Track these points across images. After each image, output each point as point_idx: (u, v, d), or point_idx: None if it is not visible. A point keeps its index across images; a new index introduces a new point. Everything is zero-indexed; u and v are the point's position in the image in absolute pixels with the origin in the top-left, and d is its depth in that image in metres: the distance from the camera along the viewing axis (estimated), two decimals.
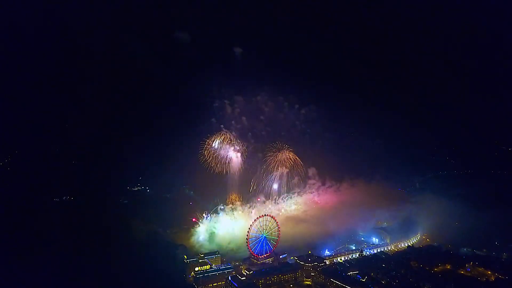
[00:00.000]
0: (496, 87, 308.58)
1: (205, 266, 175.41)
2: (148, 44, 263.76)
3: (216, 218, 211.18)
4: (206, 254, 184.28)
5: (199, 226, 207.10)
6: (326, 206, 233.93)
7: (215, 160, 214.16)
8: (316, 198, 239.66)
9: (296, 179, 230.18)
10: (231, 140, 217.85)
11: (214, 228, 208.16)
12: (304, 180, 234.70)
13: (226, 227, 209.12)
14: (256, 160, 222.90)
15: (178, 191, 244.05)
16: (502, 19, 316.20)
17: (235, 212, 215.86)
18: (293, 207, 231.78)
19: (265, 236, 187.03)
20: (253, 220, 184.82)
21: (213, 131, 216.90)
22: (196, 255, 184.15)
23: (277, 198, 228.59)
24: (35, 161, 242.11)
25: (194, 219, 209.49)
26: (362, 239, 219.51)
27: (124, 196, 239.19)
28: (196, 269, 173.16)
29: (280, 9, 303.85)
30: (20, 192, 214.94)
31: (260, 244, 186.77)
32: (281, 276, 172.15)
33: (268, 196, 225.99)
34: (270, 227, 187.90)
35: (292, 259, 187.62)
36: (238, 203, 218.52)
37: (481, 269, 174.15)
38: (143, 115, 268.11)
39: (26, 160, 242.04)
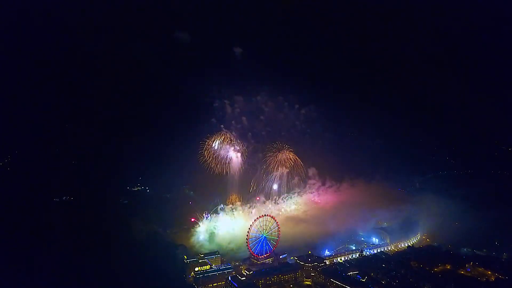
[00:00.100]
0: (496, 87, 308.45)
1: (205, 266, 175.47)
2: (148, 44, 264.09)
3: (216, 218, 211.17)
4: (206, 254, 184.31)
5: (199, 226, 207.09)
6: (326, 206, 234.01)
7: (215, 160, 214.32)
8: (316, 198, 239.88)
9: (296, 179, 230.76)
10: (231, 140, 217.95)
11: (214, 228, 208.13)
12: (304, 180, 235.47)
13: (226, 227, 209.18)
14: (256, 160, 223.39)
15: (178, 191, 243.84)
16: (502, 19, 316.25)
17: (235, 212, 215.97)
18: (293, 207, 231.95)
19: (265, 236, 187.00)
20: (253, 220, 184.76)
21: (213, 131, 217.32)
22: (196, 255, 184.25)
23: (277, 198, 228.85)
24: (35, 161, 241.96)
25: (193, 219, 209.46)
26: (362, 239, 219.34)
27: (124, 196, 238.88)
28: (196, 269, 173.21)
29: (280, 9, 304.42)
30: (20, 192, 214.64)
31: (260, 244, 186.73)
32: (281, 276, 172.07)
33: (268, 196, 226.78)
34: (270, 227, 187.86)
35: (292, 259, 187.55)
36: (238, 203, 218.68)
37: (481, 269, 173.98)
38: (143, 115, 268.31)
39: (26, 160, 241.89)
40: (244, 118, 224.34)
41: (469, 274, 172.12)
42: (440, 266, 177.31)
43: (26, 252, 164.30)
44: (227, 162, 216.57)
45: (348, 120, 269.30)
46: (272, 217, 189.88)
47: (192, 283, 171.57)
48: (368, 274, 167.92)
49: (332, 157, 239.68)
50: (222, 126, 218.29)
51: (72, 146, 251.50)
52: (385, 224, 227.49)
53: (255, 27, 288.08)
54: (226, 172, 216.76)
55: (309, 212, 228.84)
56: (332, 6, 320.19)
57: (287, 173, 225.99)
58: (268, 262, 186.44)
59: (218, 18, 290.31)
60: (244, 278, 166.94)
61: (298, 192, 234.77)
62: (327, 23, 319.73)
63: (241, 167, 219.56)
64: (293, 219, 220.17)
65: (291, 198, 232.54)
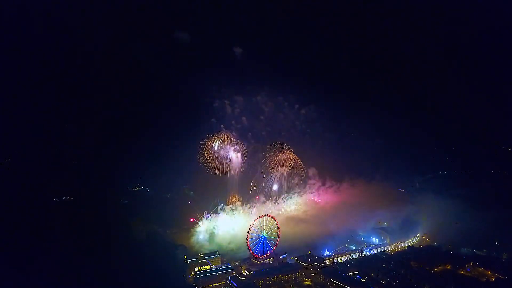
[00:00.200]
0: (496, 87, 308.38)
1: (205, 266, 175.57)
2: (148, 44, 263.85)
3: (216, 218, 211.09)
4: (206, 254, 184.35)
5: (199, 226, 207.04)
6: (326, 206, 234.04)
7: (215, 160, 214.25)
8: (316, 198, 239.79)
9: (296, 179, 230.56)
10: (231, 140, 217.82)
11: (214, 228, 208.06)
12: (304, 180, 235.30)
13: (226, 227, 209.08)
14: (256, 160, 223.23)
15: (178, 191, 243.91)
16: (502, 19, 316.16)
17: (235, 212, 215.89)
18: (293, 207, 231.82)
19: (265, 236, 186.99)
20: (253, 220, 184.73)
21: (213, 131, 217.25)
22: (196, 255, 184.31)
23: (277, 198, 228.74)
24: (35, 161, 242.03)
25: (192, 219, 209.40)
26: (362, 239, 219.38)
27: (124, 196, 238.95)
28: (196, 269, 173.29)
29: (280, 9, 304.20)
30: (20, 192, 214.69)
31: (260, 244, 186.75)
32: (281, 276, 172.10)
33: (268, 196, 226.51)
34: (270, 227, 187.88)
35: (292, 259, 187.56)
36: (238, 203, 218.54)
37: (481, 269, 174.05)
38: (143, 115, 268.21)
39: (26, 160, 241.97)
40: (244, 118, 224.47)
41: (469, 274, 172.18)
42: (440, 266, 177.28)
43: (26, 252, 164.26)
44: (227, 162, 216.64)
45: (348, 120, 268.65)
46: (272, 217, 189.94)
47: (192, 283, 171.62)
48: (368, 274, 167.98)
49: (332, 157, 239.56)
50: (222, 126, 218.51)
51: (72, 146, 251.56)
52: (385, 224, 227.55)
53: (255, 27, 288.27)
54: (226, 173, 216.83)
55: (309, 212, 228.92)
56: (332, 6, 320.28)
57: (287, 173, 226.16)
58: (268, 262, 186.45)
59: (218, 18, 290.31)
60: (244, 278, 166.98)
61: (298, 192, 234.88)
62: (327, 23, 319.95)
63: (241, 167, 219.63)
64: (293, 219, 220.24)
65: (291, 198, 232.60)
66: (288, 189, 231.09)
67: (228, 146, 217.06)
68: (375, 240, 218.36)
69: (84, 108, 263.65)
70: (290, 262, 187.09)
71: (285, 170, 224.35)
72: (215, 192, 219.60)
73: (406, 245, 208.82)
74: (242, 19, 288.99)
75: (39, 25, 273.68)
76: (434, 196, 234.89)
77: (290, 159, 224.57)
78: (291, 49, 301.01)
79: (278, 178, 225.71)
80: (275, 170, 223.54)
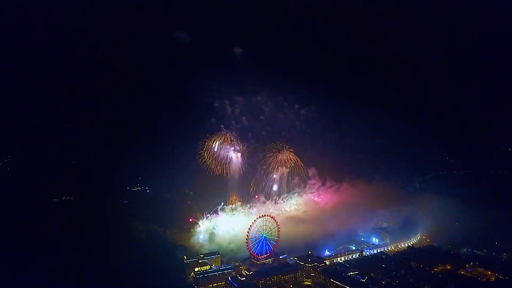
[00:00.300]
0: (496, 87, 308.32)
1: (205, 267, 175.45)
2: (148, 44, 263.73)
3: (216, 218, 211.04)
4: (206, 255, 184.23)
5: (199, 226, 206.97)
6: (326, 206, 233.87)
7: (215, 161, 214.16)
8: (316, 198, 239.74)
9: (296, 179, 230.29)
10: (231, 140, 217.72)
11: (214, 228, 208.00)
12: (304, 180, 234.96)
13: (226, 227, 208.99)
14: (256, 160, 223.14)
15: (178, 191, 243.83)
16: (502, 19, 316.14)
17: (235, 212, 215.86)
18: (293, 207, 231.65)
19: (265, 237, 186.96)
20: (253, 220, 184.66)
21: (213, 131, 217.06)
22: (196, 255, 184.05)
23: (277, 198, 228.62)
24: (35, 161, 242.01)
25: (191, 220, 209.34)
26: (362, 239, 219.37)
27: (124, 196, 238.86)
28: (196, 269, 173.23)
29: (280, 9, 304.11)
30: (20, 192, 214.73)
31: (260, 245, 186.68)
32: (281, 276, 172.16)
33: (268, 196, 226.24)
34: (270, 227, 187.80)
35: (292, 259, 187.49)
36: (238, 203, 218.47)
37: (481, 269, 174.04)
38: (143, 115, 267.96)
39: (26, 160, 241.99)
40: (244, 118, 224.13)
41: (469, 274, 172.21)
42: (440, 266, 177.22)
43: (26, 252, 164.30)
44: (227, 162, 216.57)
45: (348, 120, 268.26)
46: (272, 217, 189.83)
47: (192, 283, 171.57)
48: (368, 274, 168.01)
49: (332, 157, 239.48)
50: (222, 126, 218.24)
51: (72, 146, 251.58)
52: (385, 224, 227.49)
53: (255, 27, 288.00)
54: (226, 173, 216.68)
55: (309, 212, 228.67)
56: (332, 6, 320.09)
57: (287, 173, 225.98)
58: (268, 262, 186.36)
59: (218, 18, 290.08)
60: (244, 278, 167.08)
61: (298, 192, 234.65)
62: (327, 23, 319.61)
63: (241, 167, 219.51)
64: (293, 219, 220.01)
65: (291, 198, 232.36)
66: (288, 189, 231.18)
67: (228, 146, 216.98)
68: (375, 240, 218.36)
69: (84, 108, 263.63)
70: (290, 262, 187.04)
71: (285, 170, 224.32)
72: (215, 192, 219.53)
73: (406, 245, 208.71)
74: (242, 19, 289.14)
75: (39, 25, 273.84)
76: (434, 196, 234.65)
77: (290, 159, 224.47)
78: (291, 49, 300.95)
79: (278, 178, 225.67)
80: (275, 170, 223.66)
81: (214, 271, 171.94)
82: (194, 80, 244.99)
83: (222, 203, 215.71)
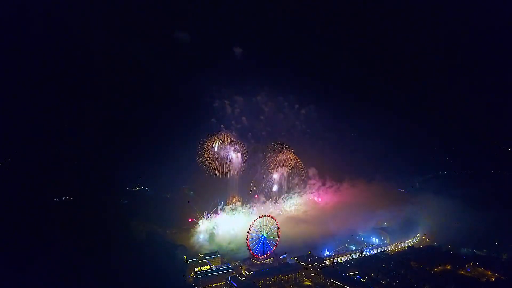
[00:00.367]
0: (496, 87, 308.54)
1: (205, 267, 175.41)
2: (148, 44, 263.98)
3: (216, 218, 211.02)
4: (206, 255, 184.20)
5: (199, 226, 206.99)
6: (326, 206, 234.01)
7: (215, 161, 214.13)
8: (316, 198, 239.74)
9: (296, 179, 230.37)
10: (231, 140, 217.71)
11: (214, 228, 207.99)
12: (304, 180, 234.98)
13: (226, 227, 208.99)
14: (256, 160, 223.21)
15: (178, 191, 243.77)
16: (502, 19, 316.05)
17: (235, 212, 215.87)
18: (293, 207, 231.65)
19: (265, 237, 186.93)
20: (253, 221, 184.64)
21: (213, 131, 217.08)
22: (196, 255, 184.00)
23: (277, 198, 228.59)
24: (35, 161, 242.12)
25: (190, 220, 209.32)
26: (362, 239, 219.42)
27: (124, 196, 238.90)
28: (196, 269, 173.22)
29: (280, 9, 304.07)
30: (20, 192, 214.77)
31: (260, 245, 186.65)
32: (281, 276, 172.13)
33: (268, 196, 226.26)
34: (270, 228, 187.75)
35: (292, 259, 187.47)
36: (238, 203, 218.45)
37: (481, 270, 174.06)
38: (143, 115, 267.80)
39: (26, 160, 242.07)
40: (244, 118, 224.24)
41: (469, 274, 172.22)
42: (440, 266, 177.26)
43: (26, 252, 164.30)
44: (227, 162, 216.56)
45: (348, 120, 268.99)
46: (272, 217, 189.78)
47: (192, 284, 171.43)
48: (368, 274, 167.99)
49: (332, 157, 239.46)
50: (222, 126, 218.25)
51: (72, 146, 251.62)
52: (385, 224, 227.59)
53: (255, 27, 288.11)
54: (226, 173, 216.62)
55: (309, 212, 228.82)
56: (332, 6, 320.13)
57: (287, 173, 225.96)
58: (268, 262, 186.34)
59: (218, 18, 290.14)
60: (244, 278, 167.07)
61: (298, 192, 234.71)
62: (327, 23, 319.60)
63: (241, 168, 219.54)
64: (293, 219, 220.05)
65: (291, 198, 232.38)
66: (288, 189, 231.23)
67: (228, 146, 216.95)
68: (375, 240, 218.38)
69: (84, 108, 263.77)
70: (290, 262, 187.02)
71: (285, 170, 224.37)
72: (215, 192, 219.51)
73: (406, 245, 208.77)
74: (242, 19, 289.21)
75: (39, 25, 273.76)
76: (434, 196, 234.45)
77: (290, 159, 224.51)
78: (291, 49, 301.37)
79: (278, 178, 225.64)
80: (275, 170, 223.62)
81: (214, 271, 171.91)
82: (194, 80, 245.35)
83: (222, 203, 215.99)
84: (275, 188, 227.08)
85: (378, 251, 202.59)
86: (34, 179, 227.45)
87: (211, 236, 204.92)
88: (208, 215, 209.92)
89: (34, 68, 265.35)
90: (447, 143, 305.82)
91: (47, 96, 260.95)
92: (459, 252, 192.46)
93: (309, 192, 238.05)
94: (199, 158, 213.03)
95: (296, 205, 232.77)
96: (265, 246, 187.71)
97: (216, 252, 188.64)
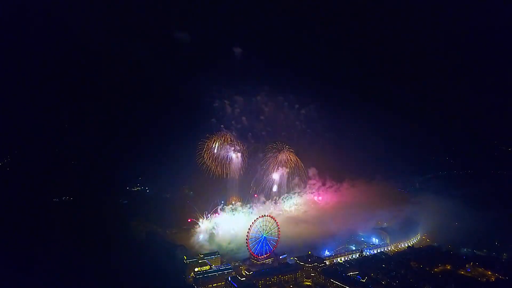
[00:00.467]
0: (496, 87, 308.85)
1: (204, 267, 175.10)
2: (148, 44, 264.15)
3: (216, 218, 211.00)
4: (206, 255, 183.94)
5: (199, 226, 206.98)
6: (326, 207, 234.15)
7: (215, 161, 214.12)
8: (316, 198, 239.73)
9: (296, 179, 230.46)
10: (231, 140, 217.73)
11: (214, 228, 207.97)
12: (304, 180, 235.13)
13: (226, 227, 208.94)
14: (256, 160, 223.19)
15: (178, 191, 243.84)
16: (502, 19, 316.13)
17: (235, 212, 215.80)
18: (293, 207, 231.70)
19: (265, 237, 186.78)
20: (253, 221, 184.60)
21: (213, 131, 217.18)
22: (196, 255, 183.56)
23: (277, 198, 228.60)
24: (35, 161, 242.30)
25: (190, 220, 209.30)
26: (362, 239, 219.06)
27: (124, 196, 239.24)
28: (196, 269, 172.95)
29: (280, 9, 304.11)
30: (20, 192, 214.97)
31: (260, 245, 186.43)
32: (281, 276, 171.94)
33: (268, 196, 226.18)
34: (270, 228, 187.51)
35: (292, 259, 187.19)
36: (238, 203, 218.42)
37: (481, 270, 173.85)
38: (143, 115, 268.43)
39: (26, 160, 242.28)
40: (244, 118, 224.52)
41: (469, 275, 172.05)
42: (440, 266, 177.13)
43: (26, 252, 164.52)
44: (227, 162, 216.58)
45: (349, 120, 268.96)
46: (272, 217, 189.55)
47: (192, 284, 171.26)
48: (368, 275, 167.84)
49: (332, 157, 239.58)
50: (222, 126, 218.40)
51: (72, 146, 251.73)
52: (385, 224, 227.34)
53: (255, 27, 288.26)
54: (226, 174, 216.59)
55: (309, 212, 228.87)
56: (332, 6, 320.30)
57: (287, 173, 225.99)
58: (268, 262, 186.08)
59: (218, 18, 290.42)
60: (244, 278, 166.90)
61: (298, 192, 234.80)
62: (327, 23, 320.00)
63: (241, 168, 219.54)
64: (293, 219, 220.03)
65: (291, 198, 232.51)
66: (288, 189, 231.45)
67: (228, 146, 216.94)
68: (375, 240, 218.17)
69: (84, 108, 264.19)
70: (290, 262, 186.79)
71: (285, 170, 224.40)
72: (215, 192, 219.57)
73: (406, 245, 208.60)
74: (242, 19, 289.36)
75: (39, 25, 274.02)
76: (434, 196, 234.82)
77: (290, 159, 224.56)
78: (291, 49, 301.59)
79: (278, 178, 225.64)
80: (275, 170, 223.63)
81: (214, 271, 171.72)
82: (194, 80, 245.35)
83: (222, 203, 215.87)
84: (275, 188, 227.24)
85: (378, 251, 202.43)
86: (34, 179, 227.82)
87: (211, 236, 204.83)
88: (208, 215, 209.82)
89: (34, 68, 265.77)
90: (447, 143, 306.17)
91: (47, 96, 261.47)
92: (459, 252, 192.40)
93: (309, 192, 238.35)
94: (199, 158, 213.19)
95: (296, 205, 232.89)
96: (265, 246, 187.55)
97: (216, 252, 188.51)
